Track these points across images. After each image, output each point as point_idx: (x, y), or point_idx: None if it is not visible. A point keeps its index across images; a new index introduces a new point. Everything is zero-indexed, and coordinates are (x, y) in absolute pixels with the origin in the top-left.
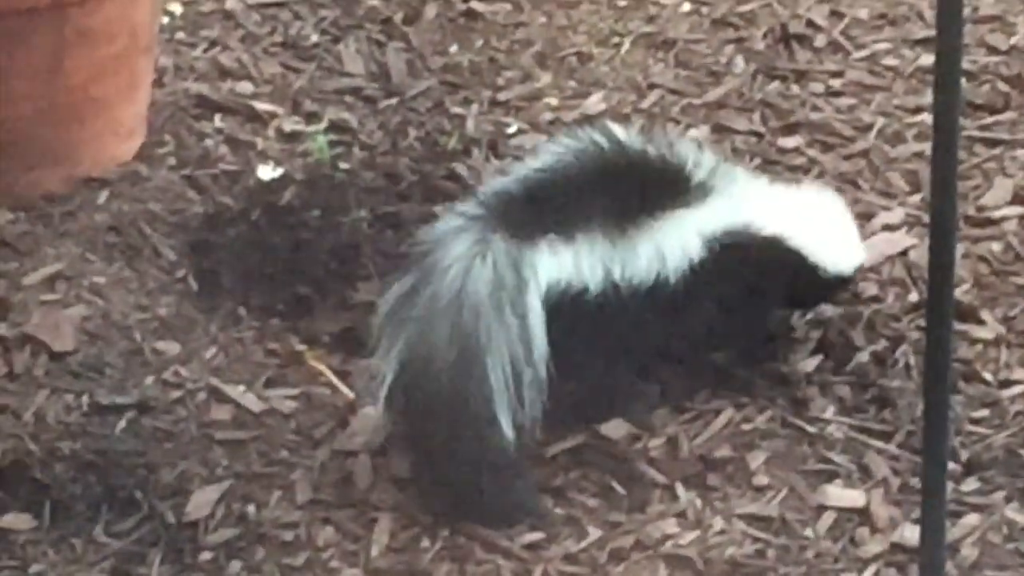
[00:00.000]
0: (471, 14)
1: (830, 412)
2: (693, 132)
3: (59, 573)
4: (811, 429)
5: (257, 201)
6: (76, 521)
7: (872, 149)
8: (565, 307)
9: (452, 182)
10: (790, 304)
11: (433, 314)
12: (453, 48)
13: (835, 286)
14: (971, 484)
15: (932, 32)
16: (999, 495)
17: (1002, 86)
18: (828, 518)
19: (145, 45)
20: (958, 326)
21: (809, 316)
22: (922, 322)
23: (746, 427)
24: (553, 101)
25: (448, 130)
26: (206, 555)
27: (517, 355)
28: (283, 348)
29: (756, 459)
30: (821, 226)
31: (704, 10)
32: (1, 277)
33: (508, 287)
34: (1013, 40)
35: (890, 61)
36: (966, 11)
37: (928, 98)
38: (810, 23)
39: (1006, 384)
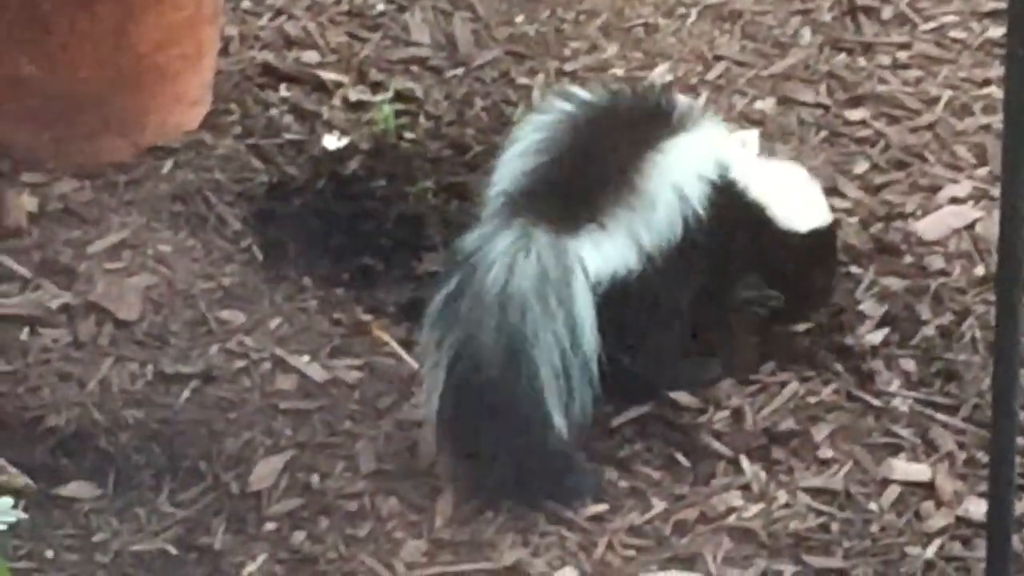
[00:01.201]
0: None
1: (895, 385)
2: (759, 104)
3: (123, 542)
4: (876, 402)
5: (322, 171)
6: (140, 490)
7: (939, 122)
8: (615, 292)
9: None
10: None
11: (479, 313)
12: (519, 18)
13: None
14: None
15: (1000, 4)
16: None
17: None
18: (893, 492)
19: (211, 14)
20: None
21: (875, 289)
22: (989, 295)
23: (811, 400)
24: (619, 72)
25: (514, 100)
26: (270, 525)
27: (565, 348)
28: (348, 318)
29: (821, 432)
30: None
31: None
32: (66, 245)
33: (553, 280)
34: None
35: (957, 33)
36: None
37: (995, 71)
38: None
39: None
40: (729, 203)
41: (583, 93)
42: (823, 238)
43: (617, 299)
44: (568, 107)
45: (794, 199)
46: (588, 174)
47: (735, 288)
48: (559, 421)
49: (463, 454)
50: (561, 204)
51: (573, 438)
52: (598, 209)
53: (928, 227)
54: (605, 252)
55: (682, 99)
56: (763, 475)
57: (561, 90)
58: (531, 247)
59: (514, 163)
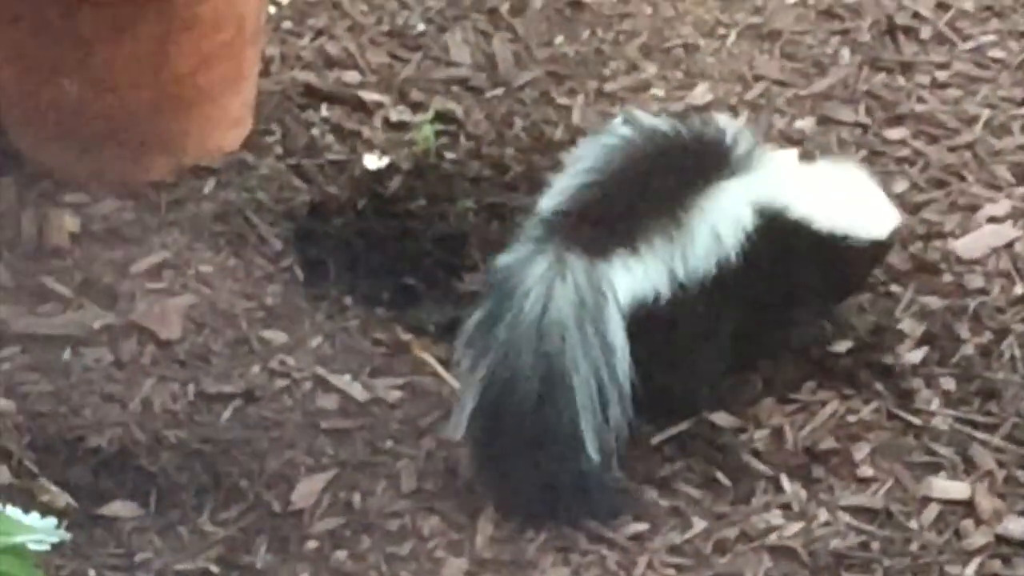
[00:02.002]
0: (577, 4)
1: (935, 404)
2: (798, 123)
3: (165, 561)
4: (916, 421)
5: (363, 190)
6: (182, 509)
7: (978, 141)
8: (646, 316)
9: (558, 172)
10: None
11: (516, 338)
12: (559, 38)
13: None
14: None
15: None
16: None
17: None
18: (933, 510)
19: (252, 34)
20: None
21: (914, 308)
22: None
23: (851, 419)
24: (659, 92)
25: (554, 120)
26: (311, 544)
27: (601, 374)
28: (389, 338)
29: (861, 451)
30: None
31: (810, 1)
32: (108, 265)
33: (589, 306)
34: None
35: (996, 53)
36: None
37: None
38: (916, 15)
39: None
40: (786, 242)
41: (647, 119)
42: (892, 241)
43: (652, 323)
44: (628, 133)
45: (861, 209)
46: (630, 200)
47: (792, 312)
48: (592, 446)
49: (495, 477)
50: (596, 227)
51: (608, 461)
52: (633, 234)
53: (967, 246)
54: (635, 276)
55: (746, 135)
56: (803, 493)
57: (628, 114)
58: (567, 272)
59: (562, 185)
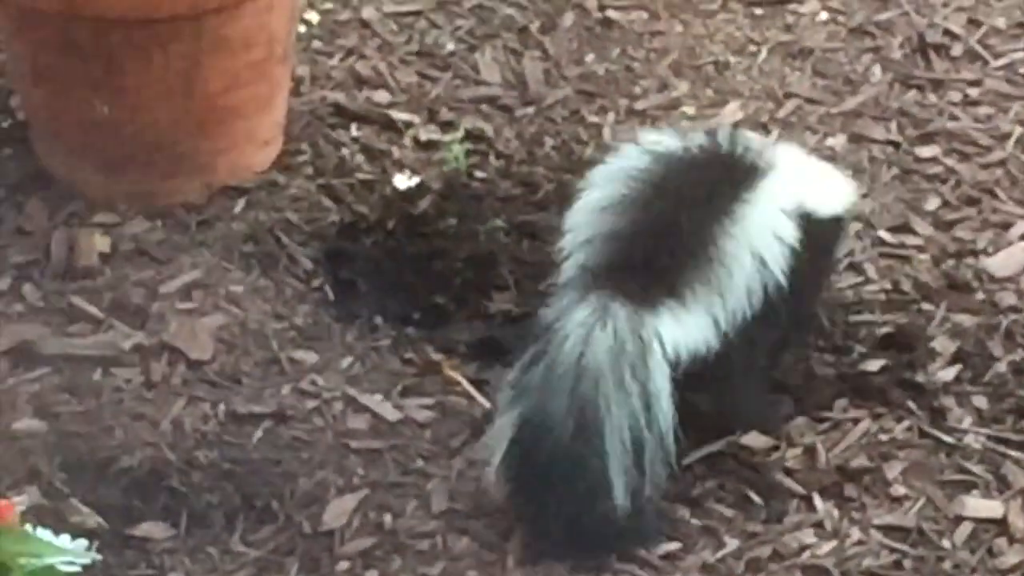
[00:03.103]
0: (607, 23)
1: (968, 422)
2: (830, 141)
3: None
4: (949, 439)
5: (393, 210)
6: (213, 530)
7: (1010, 158)
8: (694, 363)
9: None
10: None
11: (551, 380)
12: (589, 57)
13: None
14: None
15: None
16: None
17: None
18: (966, 529)
19: (282, 54)
20: None
21: (946, 326)
22: None
23: (883, 437)
24: (690, 110)
25: (585, 139)
26: (343, 564)
27: (638, 423)
28: (419, 357)
29: (893, 469)
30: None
31: (841, 19)
32: (138, 285)
33: (629, 354)
34: None
35: None
36: None
37: None
38: (947, 32)
39: None
40: (812, 241)
41: (656, 139)
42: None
43: (696, 366)
44: (643, 158)
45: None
46: (665, 244)
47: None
48: (620, 492)
49: (527, 511)
50: (639, 277)
51: (639, 504)
52: (677, 284)
53: (1000, 263)
54: (686, 328)
55: (753, 139)
56: (836, 512)
57: (635, 136)
58: (608, 320)
59: (589, 220)
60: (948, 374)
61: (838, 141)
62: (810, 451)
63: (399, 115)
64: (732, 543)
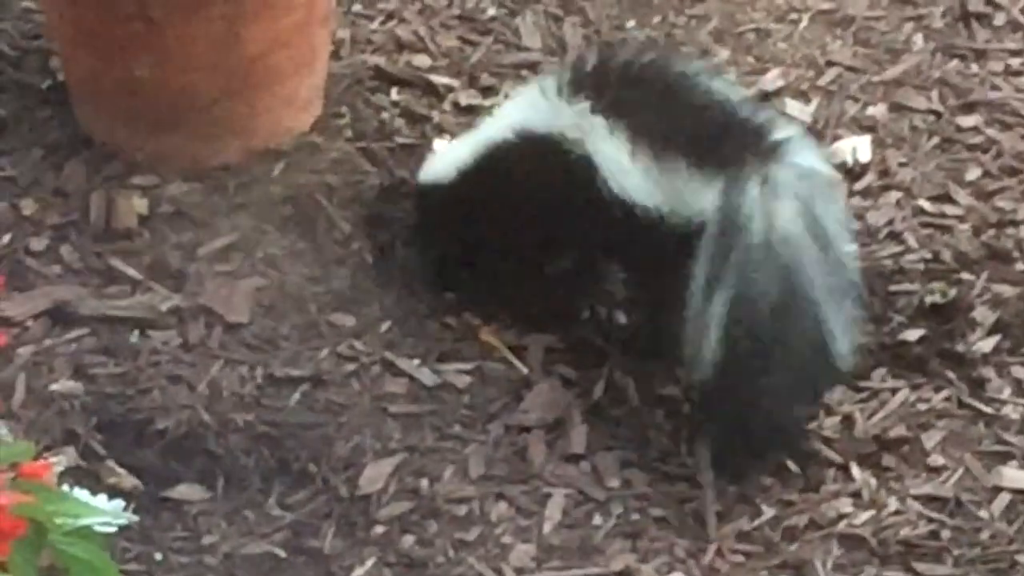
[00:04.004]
0: None
1: (1007, 393)
2: (871, 110)
3: (232, 544)
4: (987, 410)
5: None
6: (249, 493)
7: None
8: None
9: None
10: None
11: (753, 257)
12: (630, 23)
13: None
14: None
15: None
16: None
17: None
18: (1003, 499)
19: (322, 17)
20: None
21: (986, 296)
22: None
23: (922, 407)
24: (730, 77)
25: None
26: (379, 528)
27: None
28: (457, 322)
29: (931, 439)
30: None
31: None
32: (176, 248)
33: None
34: None
35: None
36: None
37: None
38: (990, 1)
39: None
40: None
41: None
42: None
43: None
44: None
45: None
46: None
47: None
48: (844, 350)
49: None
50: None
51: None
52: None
53: None
54: None
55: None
56: (873, 482)
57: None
58: (775, 186)
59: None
60: (987, 344)
61: (879, 110)
62: (848, 420)
63: (439, 79)
64: (769, 511)
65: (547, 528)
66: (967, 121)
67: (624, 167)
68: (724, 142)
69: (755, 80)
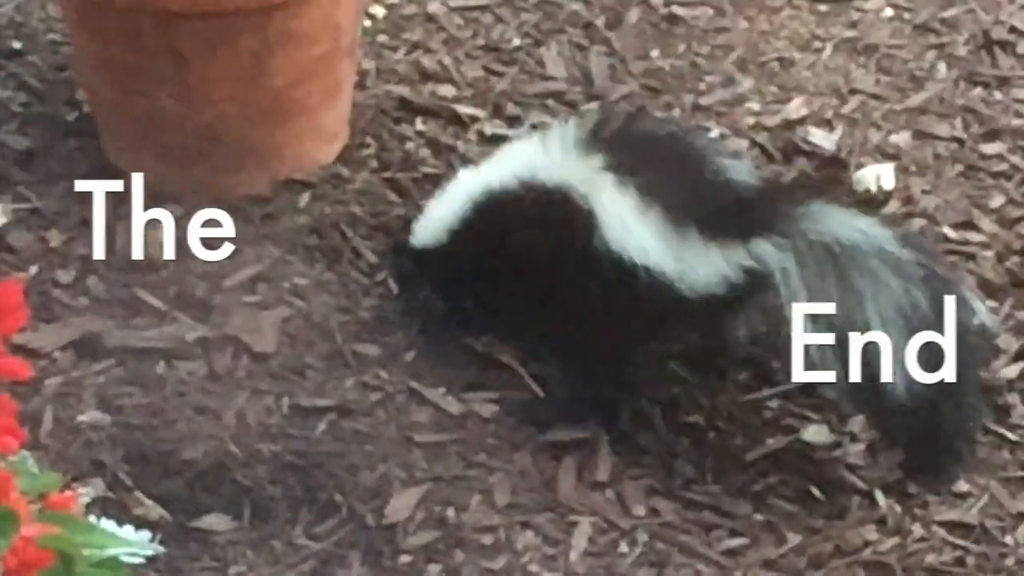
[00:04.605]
0: (673, 19)
1: None
2: (894, 138)
3: (259, 574)
4: (1012, 436)
5: None
6: (276, 522)
7: None
8: None
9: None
10: None
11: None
12: (655, 52)
13: None
14: None
15: None
16: None
17: None
18: None
19: (348, 48)
20: None
21: (1010, 323)
22: None
23: None
24: (755, 106)
25: None
26: (405, 558)
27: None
28: (483, 351)
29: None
30: None
31: (906, 15)
32: (203, 278)
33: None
34: None
35: None
36: None
37: None
38: (1013, 29)
39: None
40: None
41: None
42: None
43: None
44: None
45: None
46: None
47: None
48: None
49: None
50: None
51: None
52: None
53: None
54: None
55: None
56: (898, 508)
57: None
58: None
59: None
60: (1012, 371)
61: (902, 138)
62: (872, 447)
63: (464, 109)
64: (794, 539)
65: (573, 556)
66: (990, 148)
67: (630, 227)
68: (743, 213)
69: (779, 109)
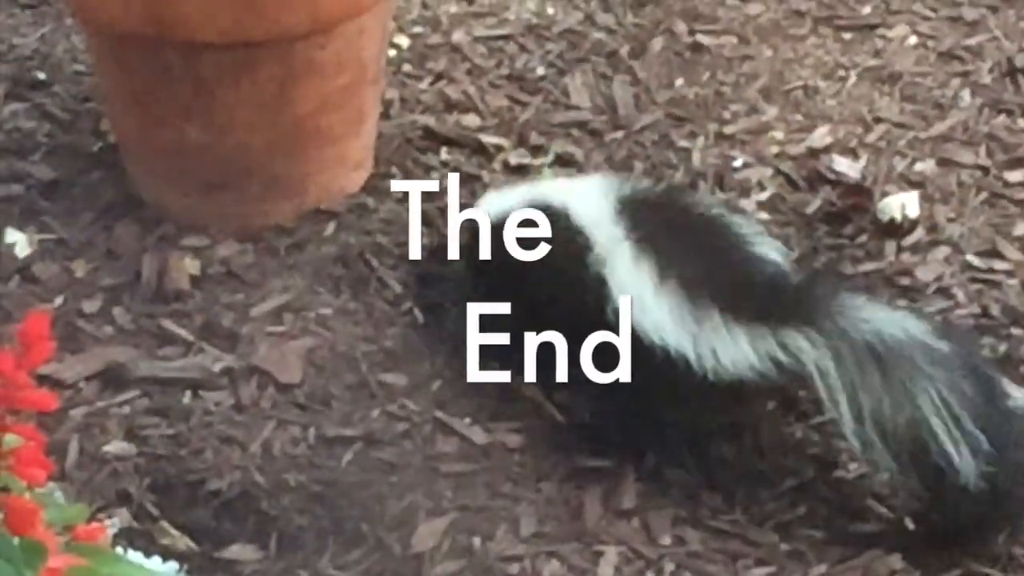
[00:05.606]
0: (697, 47)
1: None
2: (919, 166)
3: None
4: None
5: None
6: (303, 552)
7: None
8: None
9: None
10: None
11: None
12: (679, 81)
13: None
14: None
15: None
16: None
17: None
18: None
19: (372, 78)
20: None
21: None
22: None
23: None
24: (779, 134)
25: (674, 163)
26: None
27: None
28: (508, 381)
29: None
30: None
31: (930, 43)
32: (229, 309)
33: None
34: None
35: None
36: None
37: None
38: None
39: None
40: None
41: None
42: None
43: None
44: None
45: None
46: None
47: None
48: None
49: None
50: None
51: None
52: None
53: None
54: None
55: None
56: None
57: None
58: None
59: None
60: None
61: (927, 165)
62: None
63: (489, 139)
64: (820, 568)
65: None
66: (1015, 176)
67: (644, 301)
68: (772, 300)
69: (803, 137)
